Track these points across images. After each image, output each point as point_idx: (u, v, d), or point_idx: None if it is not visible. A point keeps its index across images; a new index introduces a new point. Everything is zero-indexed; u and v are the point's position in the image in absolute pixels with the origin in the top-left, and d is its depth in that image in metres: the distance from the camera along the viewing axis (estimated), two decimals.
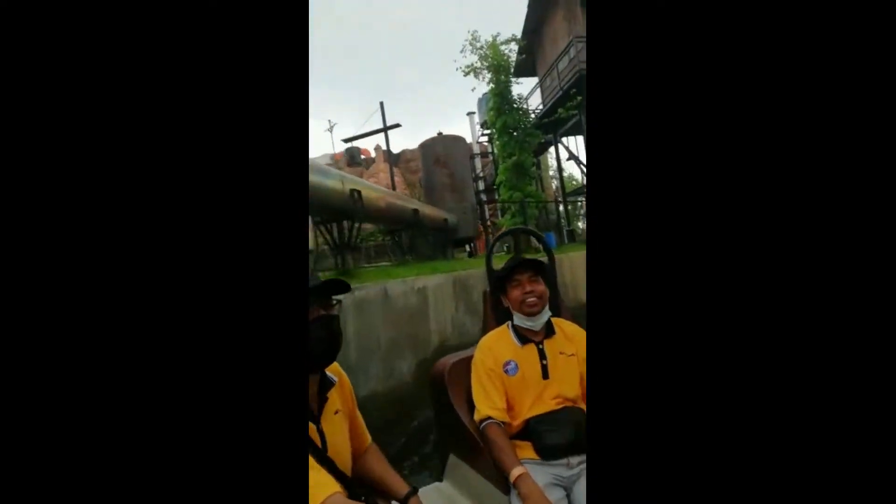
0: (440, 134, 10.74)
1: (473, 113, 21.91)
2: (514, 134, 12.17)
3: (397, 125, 10.32)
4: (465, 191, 10.75)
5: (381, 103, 10.12)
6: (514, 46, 12.46)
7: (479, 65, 12.66)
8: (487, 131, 18.78)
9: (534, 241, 6.97)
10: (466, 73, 12.77)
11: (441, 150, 10.67)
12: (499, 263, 1.65)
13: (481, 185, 18.32)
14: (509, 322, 1.44)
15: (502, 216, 13.47)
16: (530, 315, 1.36)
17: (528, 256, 1.56)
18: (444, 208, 10.46)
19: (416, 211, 7.35)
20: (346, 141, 10.26)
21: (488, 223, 17.58)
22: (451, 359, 1.56)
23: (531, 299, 1.36)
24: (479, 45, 12.59)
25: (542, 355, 1.36)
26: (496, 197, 14.49)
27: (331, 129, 13.17)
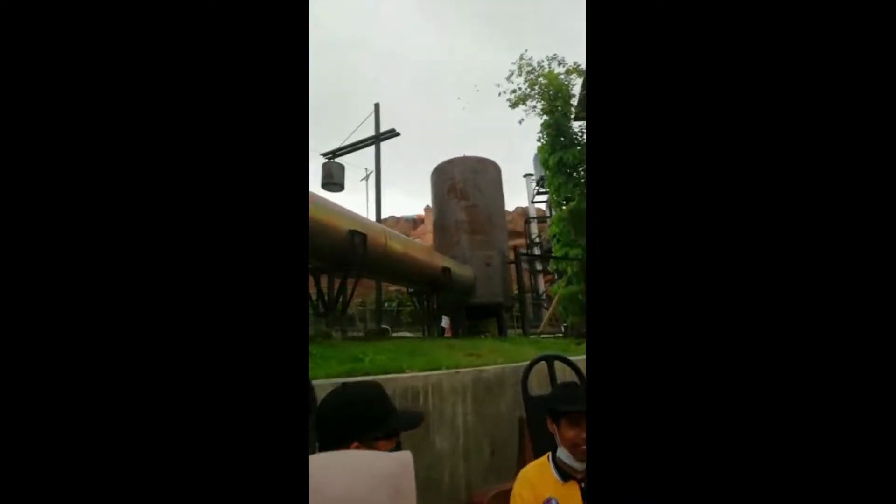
0: (463, 156, 7.66)
1: (530, 175, 19.31)
2: (573, 175, 8.82)
3: (392, 132, 7.45)
4: (491, 232, 7.20)
5: (377, 105, 7.40)
6: (576, 79, 9.63)
7: (529, 91, 9.94)
8: (545, 191, 15.53)
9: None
10: (514, 104, 10.06)
11: (458, 174, 7.45)
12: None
13: (537, 251, 14.80)
14: (550, 454, 1.32)
15: (559, 280, 9.52)
16: (583, 462, 1.24)
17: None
18: (459, 257, 6.90)
19: (361, 237, 3.87)
20: (325, 155, 7.59)
21: (543, 294, 13.51)
22: (490, 490, 1.53)
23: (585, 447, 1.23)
24: (529, 68, 9.98)
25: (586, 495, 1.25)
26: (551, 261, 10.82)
27: (367, 178, 10.50)
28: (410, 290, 5.91)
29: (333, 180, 6.84)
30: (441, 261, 5.68)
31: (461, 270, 6.46)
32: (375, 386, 0.81)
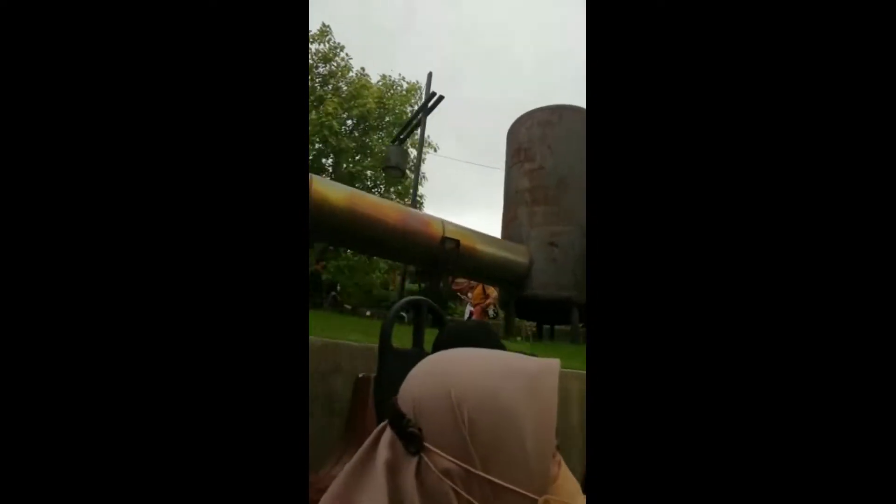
0: (533, 109, 5.86)
1: None
2: None
3: (435, 96, 6.20)
4: (562, 201, 5.12)
5: (430, 74, 6.41)
6: None
7: None
8: None
9: None
10: None
11: (525, 132, 5.71)
12: None
13: None
14: None
15: None
16: None
17: None
18: (515, 236, 5.23)
19: None
20: (393, 141, 7.15)
21: None
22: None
23: None
24: None
25: None
26: None
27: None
28: (416, 269, 4.75)
29: (391, 164, 6.41)
30: (444, 230, 4.34)
31: (497, 250, 4.79)
32: (487, 325, 0.87)
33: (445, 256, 4.28)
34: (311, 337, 2.53)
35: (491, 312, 5.45)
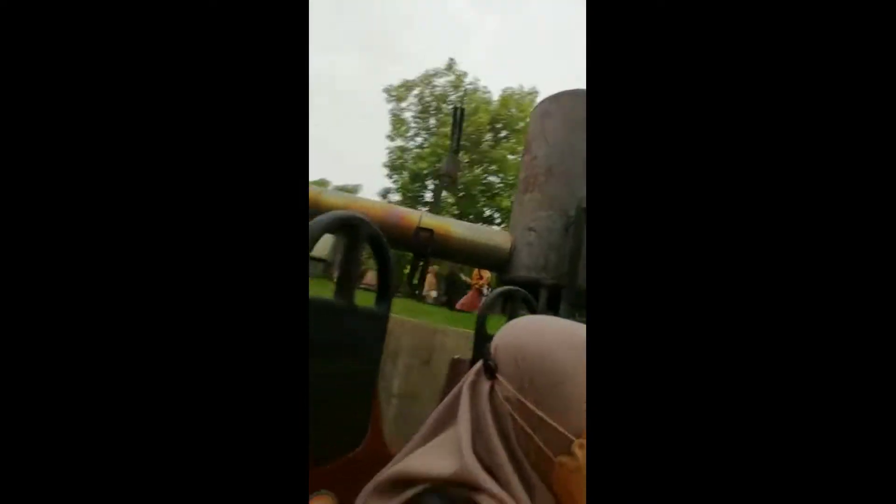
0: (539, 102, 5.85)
1: None
2: None
3: (458, 110, 6.51)
4: (547, 188, 5.19)
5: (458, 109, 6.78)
6: None
7: None
8: None
9: None
10: None
11: (531, 126, 5.87)
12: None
13: None
14: None
15: None
16: None
17: None
18: (511, 226, 5.65)
19: None
20: (451, 151, 7.80)
21: None
22: None
23: None
24: None
25: None
26: None
27: None
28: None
29: (442, 172, 7.30)
30: (420, 221, 5.28)
31: (476, 236, 5.35)
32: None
33: (420, 244, 5.23)
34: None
35: (485, 291, 5.95)
